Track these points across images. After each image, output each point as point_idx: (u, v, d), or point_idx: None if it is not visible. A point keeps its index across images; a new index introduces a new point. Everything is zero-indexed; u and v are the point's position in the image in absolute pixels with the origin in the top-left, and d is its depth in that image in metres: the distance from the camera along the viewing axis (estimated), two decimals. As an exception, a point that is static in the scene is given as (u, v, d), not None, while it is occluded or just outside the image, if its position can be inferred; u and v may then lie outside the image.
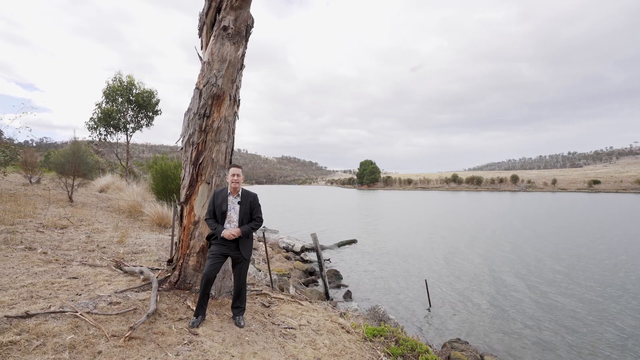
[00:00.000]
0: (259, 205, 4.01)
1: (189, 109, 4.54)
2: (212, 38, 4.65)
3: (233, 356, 3.03)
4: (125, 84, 15.63)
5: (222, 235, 3.62)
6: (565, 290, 9.99)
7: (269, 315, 4.47)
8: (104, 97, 15.54)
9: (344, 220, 28.70)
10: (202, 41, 4.95)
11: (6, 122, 9.03)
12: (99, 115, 15.39)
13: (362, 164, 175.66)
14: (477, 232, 21.28)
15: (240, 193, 3.84)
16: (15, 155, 9.91)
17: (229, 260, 4.22)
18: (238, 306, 3.89)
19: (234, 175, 3.75)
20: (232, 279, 4.13)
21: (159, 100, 16.74)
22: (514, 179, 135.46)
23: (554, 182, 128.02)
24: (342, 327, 4.71)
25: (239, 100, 4.88)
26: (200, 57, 4.87)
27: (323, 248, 16.00)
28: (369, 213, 36.44)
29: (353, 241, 18.09)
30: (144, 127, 16.73)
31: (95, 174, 19.28)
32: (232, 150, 4.84)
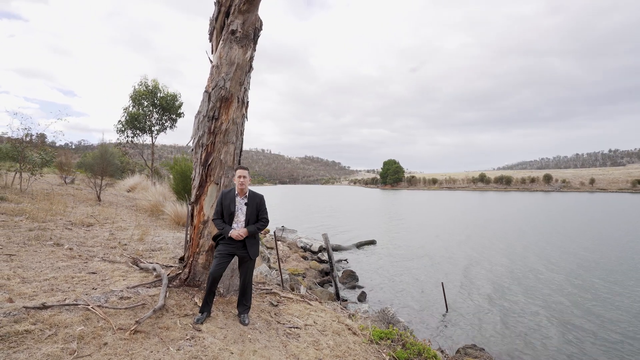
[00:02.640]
0: (265, 206, 4.09)
1: (199, 112, 4.67)
2: (221, 42, 4.77)
3: (232, 353, 3.09)
4: (151, 88, 16.42)
5: (229, 235, 3.71)
6: (596, 300, 9.36)
7: (275, 314, 4.52)
8: (131, 101, 16.41)
9: (365, 221, 28.46)
10: (212, 45, 5.09)
11: (42, 126, 9.77)
12: (126, 118, 16.28)
13: (385, 163, 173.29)
14: (502, 234, 20.41)
15: (247, 194, 3.92)
16: (52, 157, 10.67)
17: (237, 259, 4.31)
18: (243, 304, 3.96)
19: (240, 177, 3.83)
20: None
21: (182, 103, 17.45)
22: (547, 178, 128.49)
23: (592, 181, 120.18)
24: (349, 329, 4.68)
25: (248, 102, 4.97)
26: (211, 61, 5.01)
27: (341, 248, 15.96)
28: (391, 214, 35.92)
29: (372, 242, 17.90)
30: (168, 129, 17.53)
31: (125, 175, 20.33)
32: (241, 151, 4.93)
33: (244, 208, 3.86)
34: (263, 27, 5.22)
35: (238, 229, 3.75)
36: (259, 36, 5.05)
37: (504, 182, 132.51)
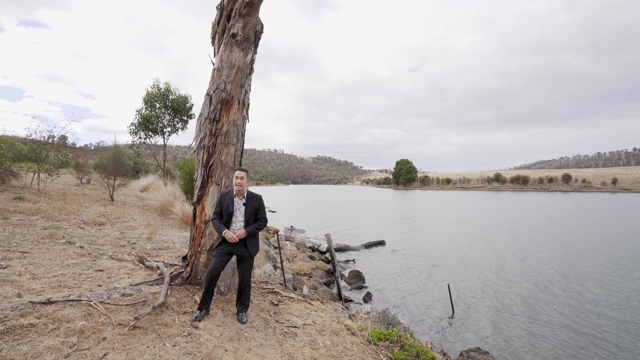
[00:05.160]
0: (264, 206, 4.17)
1: (200, 114, 4.78)
2: (222, 45, 4.87)
3: (226, 350, 3.16)
4: (163, 90, 16.85)
5: (225, 237, 3.79)
6: (609, 306, 9.05)
7: (274, 313, 4.58)
8: (143, 103, 16.89)
9: (375, 221, 28.31)
10: (214, 48, 5.20)
11: (59, 128, 10.16)
12: (139, 120, 16.75)
13: (398, 163, 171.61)
14: (514, 236, 19.92)
15: (245, 195, 4.00)
16: (67, 158, 11.07)
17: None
18: (242, 303, 4.03)
19: (237, 178, 3.91)
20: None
21: (192, 104, 17.84)
22: (566, 178, 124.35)
23: (615, 181, 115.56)
24: (348, 329, 4.69)
25: (248, 104, 5.05)
26: (213, 64, 5.12)
27: (350, 249, 15.95)
28: (402, 214, 35.57)
29: (381, 242, 17.80)
30: (179, 130, 17.95)
31: (140, 175, 20.88)
32: (242, 152, 5.01)
33: (243, 208, 3.94)
34: (264, 30, 5.30)
35: (236, 229, 3.83)
36: (259, 39, 5.12)
37: (521, 182, 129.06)
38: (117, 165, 11.42)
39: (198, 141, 4.77)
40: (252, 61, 5.01)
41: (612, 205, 46.10)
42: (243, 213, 3.93)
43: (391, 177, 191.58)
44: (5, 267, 4.13)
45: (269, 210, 36.26)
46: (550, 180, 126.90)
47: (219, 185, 4.67)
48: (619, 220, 27.48)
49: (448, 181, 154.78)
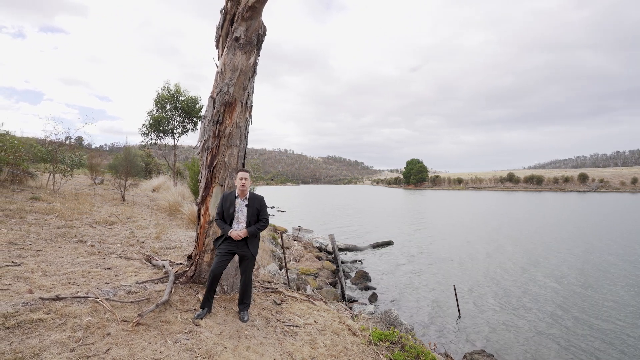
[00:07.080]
0: (265, 207, 4.23)
1: (204, 116, 4.89)
2: (225, 48, 4.97)
3: (226, 348, 3.24)
4: (173, 92, 17.19)
5: (229, 235, 3.88)
6: (620, 311, 8.80)
7: (276, 312, 4.64)
8: (154, 105, 17.26)
9: (384, 221, 28.16)
10: (218, 52, 5.30)
11: (73, 130, 10.54)
12: (150, 122, 17.14)
13: (408, 163, 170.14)
14: (525, 238, 19.52)
15: (247, 196, 4.07)
16: (81, 159, 11.44)
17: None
18: (243, 302, 4.11)
19: (241, 179, 3.98)
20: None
21: (202, 106, 18.13)
22: (583, 177, 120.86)
23: (635, 181, 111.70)
24: (349, 329, 4.72)
25: (251, 106, 5.13)
26: (217, 66, 5.22)
27: (357, 249, 15.94)
28: (411, 214, 35.28)
29: (389, 243, 17.72)
30: (189, 131, 18.28)
31: (153, 175, 21.35)
32: (245, 154, 5.09)
33: (245, 209, 4.01)
34: (268, 32, 5.37)
35: (238, 230, 3.91)
36: (262, 42, 5.19)
37: (535, 182, 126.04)
38: (128, 166, 11.73)
39: (202, 143, 4.87)
40: (255, 64, 5.09)
41: (632, 205, 44.63)
42: (245, 214, 3.99)
43: (402, 177, 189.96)
44: (19, 265, 4.32)
45: (279, 210, 36.50)
46: (566, 180, 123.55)
47: (222, 186, 4.76)
48: (632, 220, 26.61)
49: (459, 181, 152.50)
